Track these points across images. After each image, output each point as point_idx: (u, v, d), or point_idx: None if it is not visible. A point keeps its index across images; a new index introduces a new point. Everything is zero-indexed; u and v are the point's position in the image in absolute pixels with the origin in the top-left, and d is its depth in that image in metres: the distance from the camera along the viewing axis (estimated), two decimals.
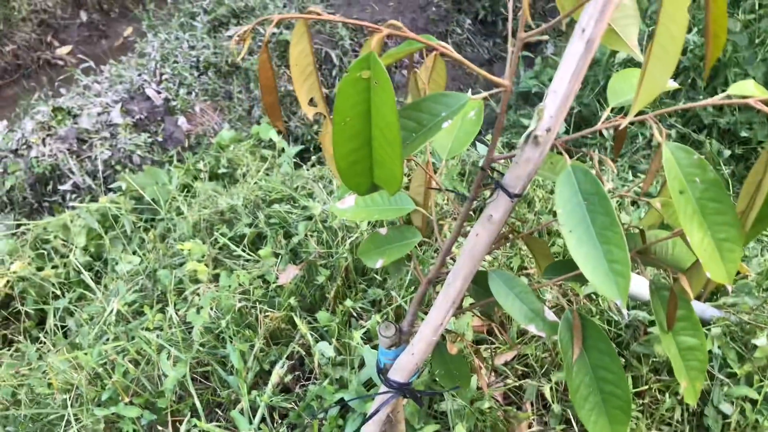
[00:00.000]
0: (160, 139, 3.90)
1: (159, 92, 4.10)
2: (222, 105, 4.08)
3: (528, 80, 3.93)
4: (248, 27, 0.69)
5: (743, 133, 3.26)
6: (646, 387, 1.60)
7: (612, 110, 1.19)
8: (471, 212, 1.27)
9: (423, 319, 1.02)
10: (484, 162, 0.85)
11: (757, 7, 3.64)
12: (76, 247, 2.45)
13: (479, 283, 1.02)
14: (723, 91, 3.03)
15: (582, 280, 0.92)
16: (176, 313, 1.85)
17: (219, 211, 2.17)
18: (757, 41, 3.48)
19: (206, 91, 4.09)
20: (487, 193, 0.91)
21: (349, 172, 0.76)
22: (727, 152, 3.24)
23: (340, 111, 0.69)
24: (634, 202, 2.52)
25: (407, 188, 1.02)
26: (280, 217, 2.08)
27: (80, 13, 6.21)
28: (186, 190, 2.65)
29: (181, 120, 4.00)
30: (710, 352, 1.61)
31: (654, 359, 1.62)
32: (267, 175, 2.48)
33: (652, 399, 1.59)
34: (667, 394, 1.56)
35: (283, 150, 2.83)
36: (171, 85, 4.09)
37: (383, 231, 1.01)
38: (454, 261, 0.95)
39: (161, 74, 4.20)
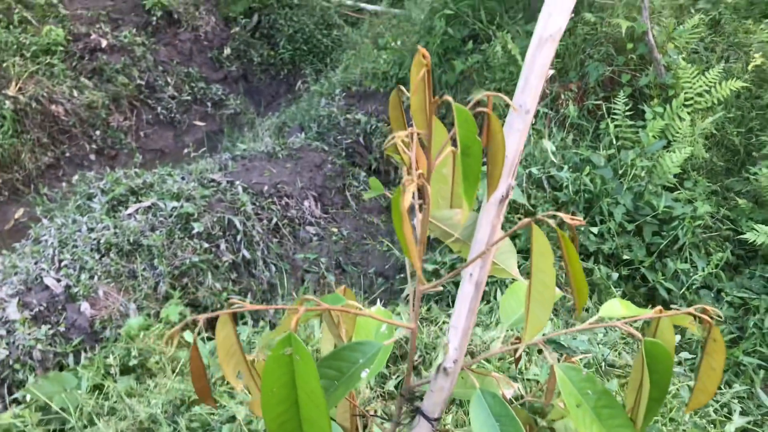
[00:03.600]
0: (62, 329, 3.75)
1: (59, 280, 4.00)
2: (126, 285, 4.02)
3: None
4: (175, 330, 0.75)
5: (625, 256, 3.56)
6: None
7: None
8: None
9: None
10: (403, 389, 0.93)
11: (615, 141, 4.09)
12: None
13: None
14: (602, 221, 3.30)
15: None
16: None
17: (138, 420, 2.10)
18: (620, 172, 3.89)
19: (109, 273, 4.03)
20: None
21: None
22: (615, 275, 3.50)
23: (267, 383, 0.75)
24: None
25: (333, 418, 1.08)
26: (202, 420, 2.04)
27: None
28: (97, 391, 2.55)
29: (84, 306, 3.89)
30: None
31: None
32: (181, 373, 2.44)
33: None
34: None
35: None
36: (71, 271, 4.00)
37: None
38: None
39: (60, 261, 4.12)
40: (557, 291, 0.97)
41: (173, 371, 2.77)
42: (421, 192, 0.75)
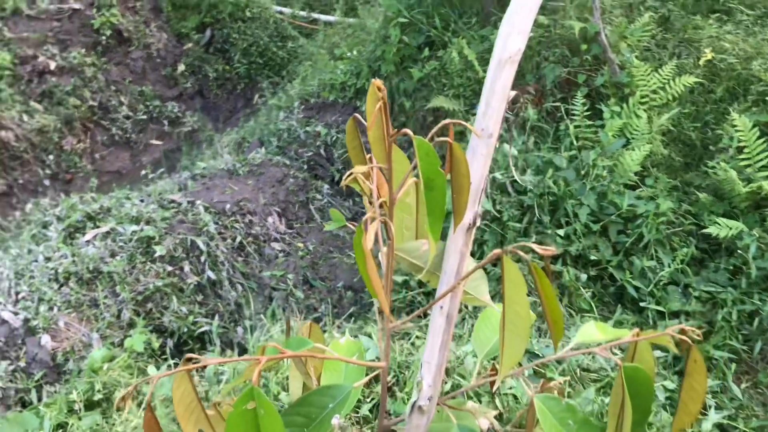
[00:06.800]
0: (22, 364, 3.62)
1: (16, 313, 3.85)
2: (88, 314, 3.89)
3: None
4: (130, 389, 0.70)
5: (592, 257, 3.57)
6: None
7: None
8: None
9: None
10: (377, 429, 0.88)
11: (575, 141, 4.12)
12: None
13: None
14: (567, 223, 3.27)
15: None
16: None
17: None
18: (582, 172, 3.91)
19: (69, 303, 3.90)
20: None
21: None
22: (584, 276, 3.51)
23: None
24: None
25: None
26: None
27: None
28: (61, 430, 2.45)
29: (45, 339, 3.75)
30: None
31: None
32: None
33: None
34: None
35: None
36: (29, 303, 3.86)
37: None
38: None
39: (17, 293, 3.97)
40: (531, 314, 0.94)
41: (139, 405, 2.68)
42: (386, 226, 0.71)
